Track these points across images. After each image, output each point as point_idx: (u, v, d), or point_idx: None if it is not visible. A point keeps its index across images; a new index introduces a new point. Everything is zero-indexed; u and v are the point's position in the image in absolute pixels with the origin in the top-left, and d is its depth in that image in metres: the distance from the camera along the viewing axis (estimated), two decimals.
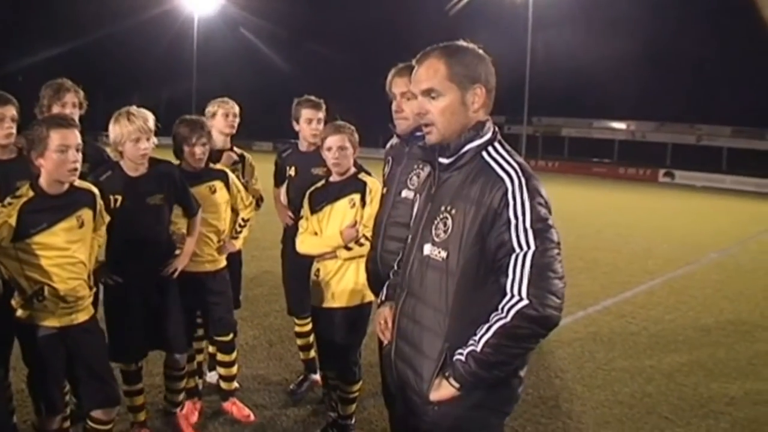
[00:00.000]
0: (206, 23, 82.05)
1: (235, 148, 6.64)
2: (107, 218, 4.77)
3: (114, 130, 4.92)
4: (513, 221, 2.79)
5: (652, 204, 32.98)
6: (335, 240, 5.22)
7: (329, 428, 5.67)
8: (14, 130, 4.82)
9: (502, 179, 2.86)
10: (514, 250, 2.79)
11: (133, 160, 4.96)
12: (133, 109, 4.99)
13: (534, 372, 7.24)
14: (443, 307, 2.97)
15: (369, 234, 4.73)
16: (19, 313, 4.30)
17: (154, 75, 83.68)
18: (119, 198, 4.96)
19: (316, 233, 5.39)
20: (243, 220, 6.12)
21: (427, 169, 3.35)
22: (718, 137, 61.05)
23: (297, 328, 6.62)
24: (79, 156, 4.26)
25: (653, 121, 65.33)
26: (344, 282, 5.25)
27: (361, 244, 5.09)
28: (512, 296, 2.79)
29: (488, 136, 3.03)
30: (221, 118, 6.41)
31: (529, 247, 2.77)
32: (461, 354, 2.88)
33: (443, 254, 2.98)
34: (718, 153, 60.33)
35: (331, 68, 78.82)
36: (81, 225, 4.37)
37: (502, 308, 2.81)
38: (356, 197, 5.27)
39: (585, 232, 19.11)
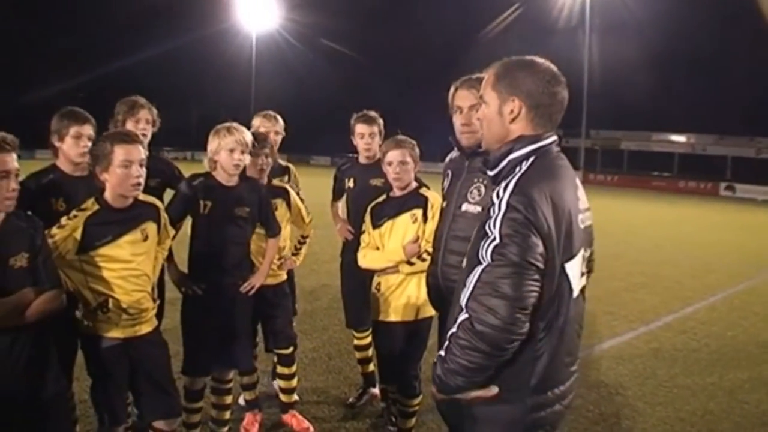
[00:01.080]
0: (264, 39, 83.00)
1: (279, 160, 6.68)
2: (172, 232, 4.88)
3: (213, 141, 5.12)
4: (488, 234, 2.77)
5: (713, 218, 32.36)
6: (397, 255, 5.21)
7: None
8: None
9: (497, 193, 2.84)
10: (479, 263, 2.78)
11: (227, 170, 5.12)
12: (234, 123, 5.22)
13: (595, 388, 7.18)
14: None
15: (430, 249, 4.70)
16: (83, 324, 4.37)
17: (212, 91, 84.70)
18: (209, 204, 5.12)
19: (378, 248, 5.40)
20: (302, 236, 6.20)
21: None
22: None
23: (356, 342, 6.63)
24: (143, 171, 4.34)
25: (713, 134, 64.23)
26: (405, 296, 5.24)
27: (423, 259, 5.06)
28: (461, 307, 2.81)
29: (526, 150, 2.94)
30: None
31: (485, 261, 2.75)
32: (436, 358, 2.95)
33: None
34: None
35: (390, 83, 78.94)
36: (145, 238, 4.45)
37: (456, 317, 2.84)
38: (418, 212, 5.26)
39: (645, 247, 18.89)
